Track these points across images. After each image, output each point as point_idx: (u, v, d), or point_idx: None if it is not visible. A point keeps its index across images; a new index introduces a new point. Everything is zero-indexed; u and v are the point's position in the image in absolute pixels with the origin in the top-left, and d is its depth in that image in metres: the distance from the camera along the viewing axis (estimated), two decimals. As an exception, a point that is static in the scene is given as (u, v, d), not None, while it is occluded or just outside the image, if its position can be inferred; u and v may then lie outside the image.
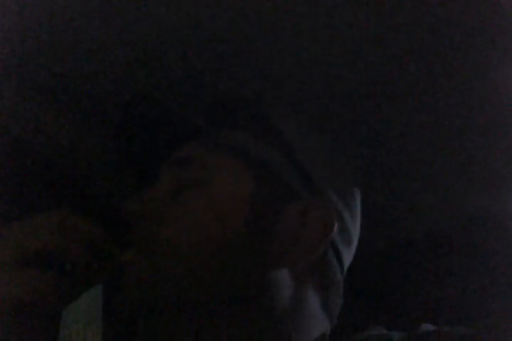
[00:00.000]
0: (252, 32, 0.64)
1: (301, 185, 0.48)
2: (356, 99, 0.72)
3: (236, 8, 0.62)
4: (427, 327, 0.49)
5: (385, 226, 0.89)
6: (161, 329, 0.44)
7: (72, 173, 0.77)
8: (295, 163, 0.49)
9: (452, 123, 0.73)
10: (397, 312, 0.84)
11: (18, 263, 0.40)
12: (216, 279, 0.44)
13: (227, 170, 0.48)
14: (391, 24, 0.63)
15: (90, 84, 0.72)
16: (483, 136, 0.74)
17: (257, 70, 0.69)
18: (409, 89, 0.70)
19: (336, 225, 0.47)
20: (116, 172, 0.78)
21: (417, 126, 0.75)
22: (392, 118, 0.74)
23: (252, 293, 0.44)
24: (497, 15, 0.61)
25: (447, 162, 0.79)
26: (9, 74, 0.70)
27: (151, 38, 0.66)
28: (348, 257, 0.52)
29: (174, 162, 0.50)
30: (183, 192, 0.47)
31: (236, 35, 0.65)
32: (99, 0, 0.62)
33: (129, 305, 0.43)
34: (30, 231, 0.42)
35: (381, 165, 0.80)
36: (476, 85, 0.69)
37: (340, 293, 0.50)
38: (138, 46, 0.67)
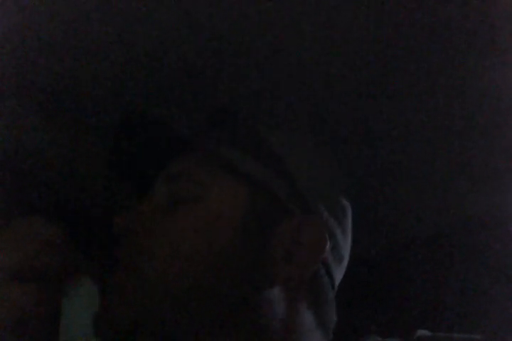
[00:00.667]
0: (253, 33, 0.65)
1: (294, 202, 0.48)
2: (354, 100, 0.72)
3: (236, 9, 0.62)
4: (423, 333, 0.49)
5: (383, 229, 0.89)
6: None
7: (64, 185, 0.77)
8: (287, 179, 0.49)
9: (452, 123, 0.73)
10: (393, 318, 0.84)
11: (13, 280, 0.41)
12: (209, 297, 0.44)
13: (220, 186, 0.48)
14: (391, 24, 0.63)
15: (86, 90, 0.72)
16: (483, 136, 0.74)
17: (256, 71, 0.69)
18: (408, 89, 0.70)
19: (328, 243, 0.47)
20: (108, 185, 0.79)
21: (417, 126, 0.75)
22: (391, 118, 0.74)
23: (245, 311, 0.44)
24: (497, 15, 0.61)
25: (447, 162, 0.79)
26: (10, 81, 0.71)
27: (147, 44, 0.66)
28: (339, 274, 0.52)
29: (167, 177, 0.50)
30: (175, 207, 0.47)
31: (236, 36, 0.65)
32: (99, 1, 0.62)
33: (117, 325, 0.43)
34: (12, 246, 0.42)
35: (379, 166, 0.80)
36: (476, 85, 0.69)
37: (333, 309, 0.50)
38: (135, 51, 0.68)
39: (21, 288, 0.41)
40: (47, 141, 0.75)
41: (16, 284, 0.41)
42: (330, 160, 0.58)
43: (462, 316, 0.83)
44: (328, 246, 0.46)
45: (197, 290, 0.43)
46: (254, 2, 0.61)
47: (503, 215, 0.84)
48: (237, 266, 0.44)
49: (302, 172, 0.50)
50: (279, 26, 0.64)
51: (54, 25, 0.65)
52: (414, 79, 0.69)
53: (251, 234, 0.46)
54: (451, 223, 0.89)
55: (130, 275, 0.44)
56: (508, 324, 0.80)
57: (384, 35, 0.64)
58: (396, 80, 0.69)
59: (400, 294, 0.89)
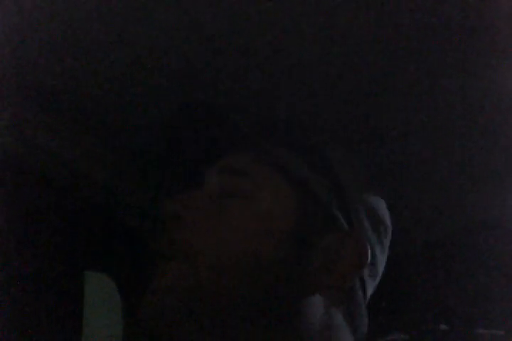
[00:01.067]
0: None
1: (341, 215, 0.49)
2: (358, 99, 0.72)
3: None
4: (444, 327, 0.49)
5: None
6: None
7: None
8: (339, 192, 0.50)
9: (452, 124, 0.74)
10: (402, 316, 0.84)
11: None
12: (252, 296, 0.44)
13: (274, 187, 0.48)
14: (391, 24, 0.63)
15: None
16: (483, 136, 0.75)
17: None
18: (408, 90, 0.70)
19: (369, 259, 0.48)
20: (157, 172, 0.79)
21: (417, 126, 0.75)
22: (391, 119, 0.74)
23: (285, 316, 0.45)
24: (497, 15, 0.61)
25: (447, 162, 0.79)
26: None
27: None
28: (371, 289, 0.53)
29: (221, 169, 0.50)
30: (227, 200, 0.47)
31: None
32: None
33: (158, 314, 0.43)
34: None
35: (380, 167, 0.80)
36: (476, 85, 0.69)
37: (365, 322, 0.51)
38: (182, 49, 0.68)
39: None
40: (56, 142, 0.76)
41: None
42: (374, 178, 0.59)
43: (463, 316, 0.83)
44: (368, 262, 0.47)
45: (244, 285, 0.43)
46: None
47: (503, 215, 0.84)
48: (284, 268, 0.45)
49: (351, 187, 0.51)
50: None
51: (57, 25, 0.65)
52: (415, 80, 0.69)
53: (298, 241, 0.46)
54: (451, 224, 0.89)
55: (179, 267, 0.44)
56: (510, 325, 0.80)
57: (384, 35, 0.64)
58: (396, 80, 0.69)
59: (405, 294, 0.89)
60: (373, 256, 0.50)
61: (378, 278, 0.53)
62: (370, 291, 0.53)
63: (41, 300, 0.68)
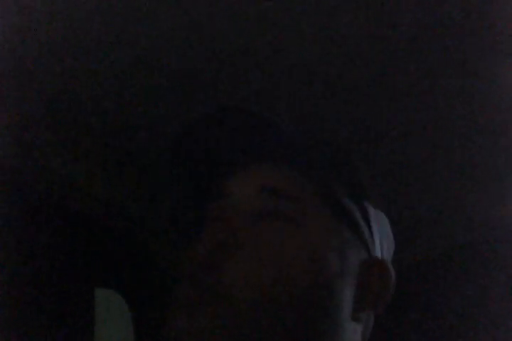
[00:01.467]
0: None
1: (372, 244, 0.50)
2: (357, 99, 0.72)
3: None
4: None
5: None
6: None
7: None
8: (367, 219, 0.50)
9: (452, 124, 0.74)
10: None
11: None
12: (294, 329, 0.42)
13: (319, 213, 0.47)
14: (392, 24, 0.63)
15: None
16: (483, 136, 0.75)
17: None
18: (408, 91, 0.70)
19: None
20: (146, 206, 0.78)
21: (417, 127, 0.75)
22: (391, 119, 0.74)
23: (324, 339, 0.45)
24: (497, 15, 0.61)
25: (447, 162, 0.79)
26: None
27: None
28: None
29: (261, 187, 0.48)
30: (269, 223, 0.45)
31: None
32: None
33: None
34: None
35: (379, 168, 0.80)
36: (476, 85, 0.69)
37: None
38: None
39: None
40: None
41: None
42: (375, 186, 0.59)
43: (464, 320, 0.83)
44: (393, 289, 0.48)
45: (286, 324, 0.42)
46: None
47: (503, 215, 0.84)
48: (323, 300, 0.45)
49: (375, 221, 0.52)
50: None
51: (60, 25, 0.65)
52: (415, 80, 0.69)
53: (341, 267, 0.46)
54: (451, 224, 0.89)
55: (217, 304, 0.41)
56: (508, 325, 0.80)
57: (383, 35, 0.64)
58: (396, 81, 0.69)
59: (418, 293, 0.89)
60: None
61: None
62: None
63: (52, 317, 0.68)
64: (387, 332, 0.82)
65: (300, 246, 0.44)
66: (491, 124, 0.74)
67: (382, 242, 0.52)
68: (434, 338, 0.85)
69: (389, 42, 0.65)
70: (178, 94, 0.72)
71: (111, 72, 0.70)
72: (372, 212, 0.51)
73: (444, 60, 0.67)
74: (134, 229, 0.79)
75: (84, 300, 0.70)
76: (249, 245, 0.43)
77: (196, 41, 0.66)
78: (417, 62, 0.67)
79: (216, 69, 0.69)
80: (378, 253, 0.50)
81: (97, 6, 0.62)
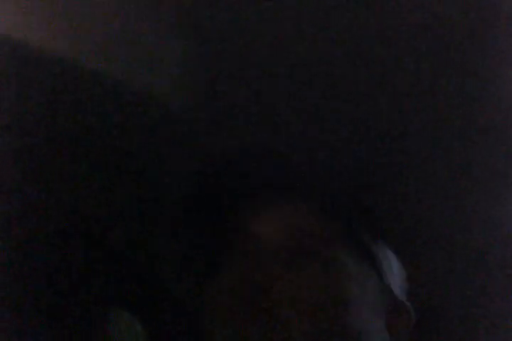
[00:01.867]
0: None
1: (393, 290, 0.51)
2: (357, 99, 0.72)
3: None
4: None
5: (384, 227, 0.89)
6: None
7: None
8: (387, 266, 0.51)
9: (452, 124, 0.74)
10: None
11: None
12: None
13: (349, 253, 0.48)
14: (391, 24, 0.63)
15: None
16: (483, 136, 0.75)
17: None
18: (408, 90, 0.71)
19: None
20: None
21: (417, 127, 0.75)
22: (390, 119, 0.75)
23: None
24: (497, 15, 0.61)
25: (447, 162, 0.79)
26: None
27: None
28: None
29: (285, 227, 0.49)
30: (297, 263, 0.46)
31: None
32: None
33: None
34: None
35: (378, 166, 0.80)
36: (477, 85, 0.69)
37: None
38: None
39: None
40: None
41: None
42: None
43: (458, 317, 0.83)
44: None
45: None
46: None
47: (503, 215, 0.84)
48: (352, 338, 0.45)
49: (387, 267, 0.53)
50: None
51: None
52: (414, 80, 0.69)
53: (369, 313, 0.47)
54: (451, 224, 0.89)
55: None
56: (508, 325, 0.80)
57: (383, 35, 0.64)
58: (395, 81, 0.70)
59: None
60: None
61: None
62: None
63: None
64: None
65: (333, 286, 0.45)
66: (491, 124, 0.74)
67: (401, 283, 0.53)
68: (434, 338, 0.85)
69: (387, 42, 0.65)
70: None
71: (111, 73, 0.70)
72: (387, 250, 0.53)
73: (444, 60, 0.67)
74: (153, 264, 0.79)
75: (100, 322, 0.70)
76: (289, 290, 0.45)
77: (195, 42, 0.66)
78: (417, 62, 0.67)
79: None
80: (398, 293, 0.51)
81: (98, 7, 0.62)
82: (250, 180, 0.51)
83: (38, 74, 0.70)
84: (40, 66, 0.69)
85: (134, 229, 0.77)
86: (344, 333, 0.44)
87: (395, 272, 0.54)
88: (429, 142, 0.77)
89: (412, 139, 0.77)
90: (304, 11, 0.62)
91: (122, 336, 0.49)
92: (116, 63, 0.69)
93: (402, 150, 0.78)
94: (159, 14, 0.64)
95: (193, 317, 0.50)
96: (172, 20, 0.64)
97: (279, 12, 0.62)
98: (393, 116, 0.74)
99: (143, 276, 0.77)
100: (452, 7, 0.60)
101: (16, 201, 0.69)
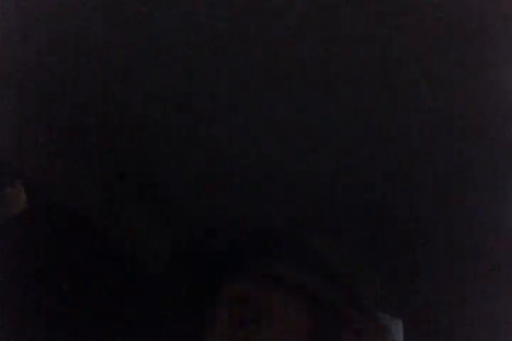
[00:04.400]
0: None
1: (353, 309, 0.51)
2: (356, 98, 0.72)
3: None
4: None
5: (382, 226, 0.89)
6: None
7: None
8: (342, 287, 0.52)
9: (452, 123, 0.74)
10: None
11: None
12: None
13: (281, 306, 0.50)
14: (391, 24, 0.63)
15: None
16: (483, 136, 0.74)
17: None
18: (408, 90, 0.70)
19: None
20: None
21: (417, 127, 0.75)
22: (390, 119, 0.74)
23: None
24: (497, 15, 0.61)
25: (447, 162, 0.79)
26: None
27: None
28: None
29: (228, 298, 0.52)
30: (245, 327, 0.49)
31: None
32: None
33: None
34: None
35: (379, 165, 0.80)
36: (476, 85, 0.69)
37: None
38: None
39: None
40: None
41: None
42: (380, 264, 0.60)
43: (460, 316, 0.83)
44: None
45: None
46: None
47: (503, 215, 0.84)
48: None
49: (356, 278, 0.53)
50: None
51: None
52: (414, 80, 0.69)
53: None
54: (450, 223, 0.89)
55: None
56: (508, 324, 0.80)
57: (383, 35, 0.64)
58: (395, 81, 0.69)
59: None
60: None
61: None
62: None
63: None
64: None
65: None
66: (491, 124, 0.74)
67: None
68: (433, 338, 0.85)
69: (387, 42, 0.65)
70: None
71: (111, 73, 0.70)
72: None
73: (444, 60, 0.67)
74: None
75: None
76: None
77: (195, 42, 0.66)
78: (417, 61, 0.67)
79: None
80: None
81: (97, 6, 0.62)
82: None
83: (37, 74, 0.70)
84: (40, 66, 0.69)
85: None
86: None
87: None
88: (429, 142, 0.77)
89: (412, 139, 0.77)
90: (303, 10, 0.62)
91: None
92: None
93: (403, 150, 0.78)
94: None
95: None
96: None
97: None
98: (393, 116, 0.74)
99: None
100: (452, 7, 0.60)
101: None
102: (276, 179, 0.72)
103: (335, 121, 0.75)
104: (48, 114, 0.75)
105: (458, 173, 0.80)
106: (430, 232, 0.89)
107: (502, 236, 0.84)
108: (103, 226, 0.77)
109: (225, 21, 0.63)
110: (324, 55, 0.67)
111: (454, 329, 0.86)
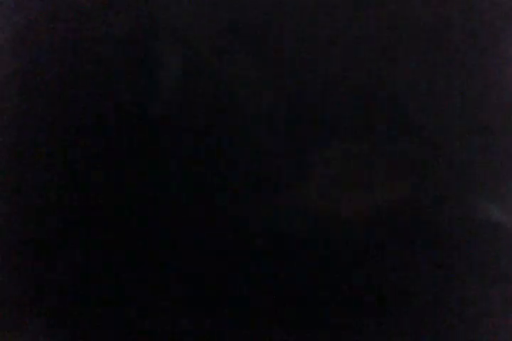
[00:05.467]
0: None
1: None
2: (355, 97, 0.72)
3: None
4: None
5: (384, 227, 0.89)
6: None
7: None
8: None
9: (452, 124, 0.74)
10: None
11: None
12: None
13: None
14: (391, 24, 0.63)
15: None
16: (483, 136, 0.75)
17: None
18: (408, 89, 0.71)
19: None
20: None
21: (417, 127, 0.75)
22: (390, 119, 0.75)
23: None
24: (497, 15, 0.61)
25: (446, 162, 0.79)
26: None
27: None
28: None
29: None
30: None
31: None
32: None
33: None
34: None
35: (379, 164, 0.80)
36: (477, 85, 0.69)
37: None
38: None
39: None
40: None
41: None
42: None
43: (460, 319, 0.83)
44: None
45: None
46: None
47: (503, 216, 0.84)
48: None
49: None
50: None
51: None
52: (414, 79, 0.69)
53: None
54: (449, 223, 0.88)
55: None
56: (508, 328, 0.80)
57: (382, 35, 0.64)
58: (394, 80, 0.70)
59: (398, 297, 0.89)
60: None
61: None
62: None
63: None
64: (386, 332, 0.82)
65: None
66: (491, 124, 0.74)
67: None
68: (433, 338, 0.85)
69: (387, 41, 0.65)
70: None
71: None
72: None
73: (444, 60, 0.67)
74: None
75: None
76: None
77: (195, 42, 0.66)
78: (417, 61, 0.67)
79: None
80: None
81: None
82: None
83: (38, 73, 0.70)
84: (40, 66, 0.69)
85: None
86: None
87: None
88: (429, 142, 0.77)
89: (411, 139, 0.77)
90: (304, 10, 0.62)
91: None
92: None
93: (402, 150, 0.78)
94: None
95: None
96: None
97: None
98: (393, 116, 0.74)
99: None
100: (452, 7, 0.61)
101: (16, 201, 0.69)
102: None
103: (330, 126, 0.75)
104: (48, 114, 0.75)
105: (458, 173, 0.80)
106: (430, 232, 0.89)
107: (502, 236, 0.84)
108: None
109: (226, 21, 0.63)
110: (323, 55, 0.67)
111: (454, 329, 0.86)
